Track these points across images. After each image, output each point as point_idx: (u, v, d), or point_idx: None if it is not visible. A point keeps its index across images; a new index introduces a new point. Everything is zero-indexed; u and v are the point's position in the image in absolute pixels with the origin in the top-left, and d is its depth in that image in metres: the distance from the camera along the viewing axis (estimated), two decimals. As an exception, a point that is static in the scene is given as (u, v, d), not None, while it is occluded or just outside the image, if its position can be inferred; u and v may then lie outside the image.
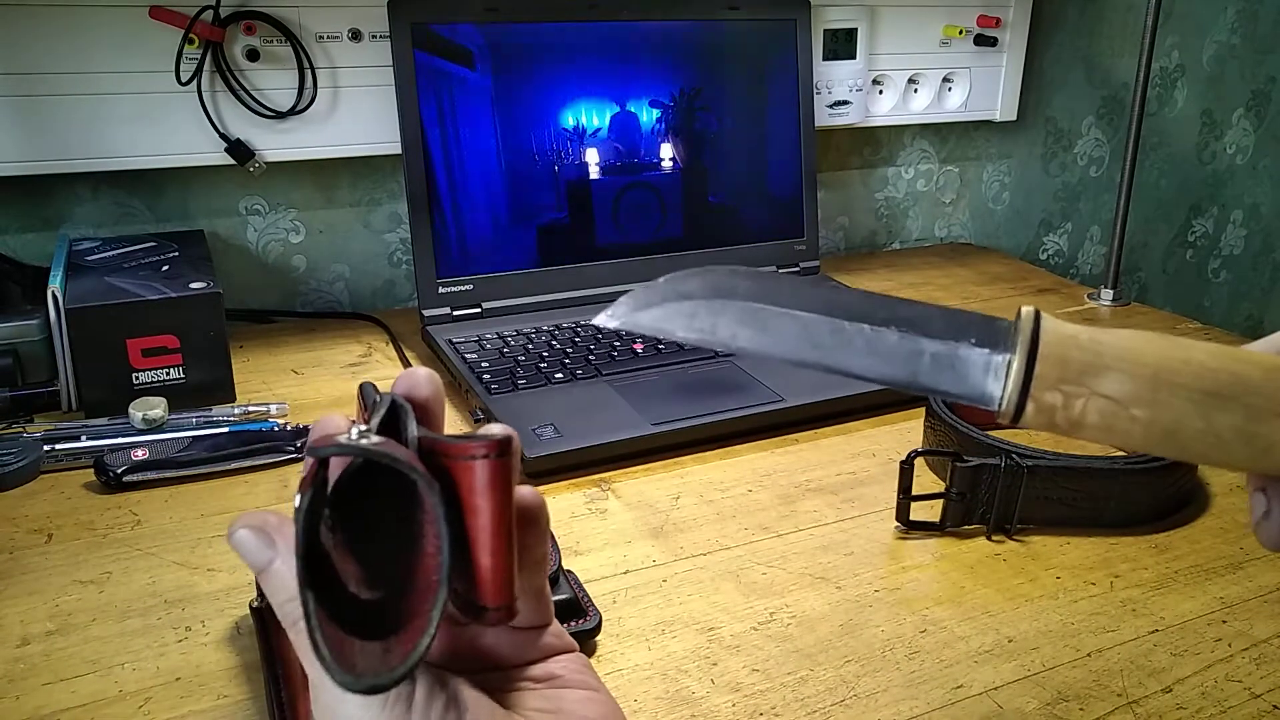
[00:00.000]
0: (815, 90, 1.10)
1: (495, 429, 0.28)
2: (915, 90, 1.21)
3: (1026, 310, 0.30)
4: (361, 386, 0.32)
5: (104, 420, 0.72)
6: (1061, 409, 0.28)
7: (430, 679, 0.29)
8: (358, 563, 0.28)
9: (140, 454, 0.67)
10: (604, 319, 0.33)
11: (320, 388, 0.84)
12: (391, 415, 0.29)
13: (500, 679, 0.33)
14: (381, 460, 0.26)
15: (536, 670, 0.34)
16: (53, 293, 0.74)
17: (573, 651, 0.35)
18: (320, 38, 0.92)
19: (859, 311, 0.31)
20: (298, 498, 0.27)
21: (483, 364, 0.82)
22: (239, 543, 0.30)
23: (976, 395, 0.30)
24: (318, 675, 0.28)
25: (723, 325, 0.32)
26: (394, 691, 0.28)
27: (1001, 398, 0.29)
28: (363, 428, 0.27)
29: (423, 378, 0.32)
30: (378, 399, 0.30)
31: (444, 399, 0.33)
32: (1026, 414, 0.29)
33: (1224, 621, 0.55)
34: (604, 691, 0.34)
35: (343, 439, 0.27)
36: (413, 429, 0.28)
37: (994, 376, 0.30)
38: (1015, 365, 0.29)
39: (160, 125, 0.89)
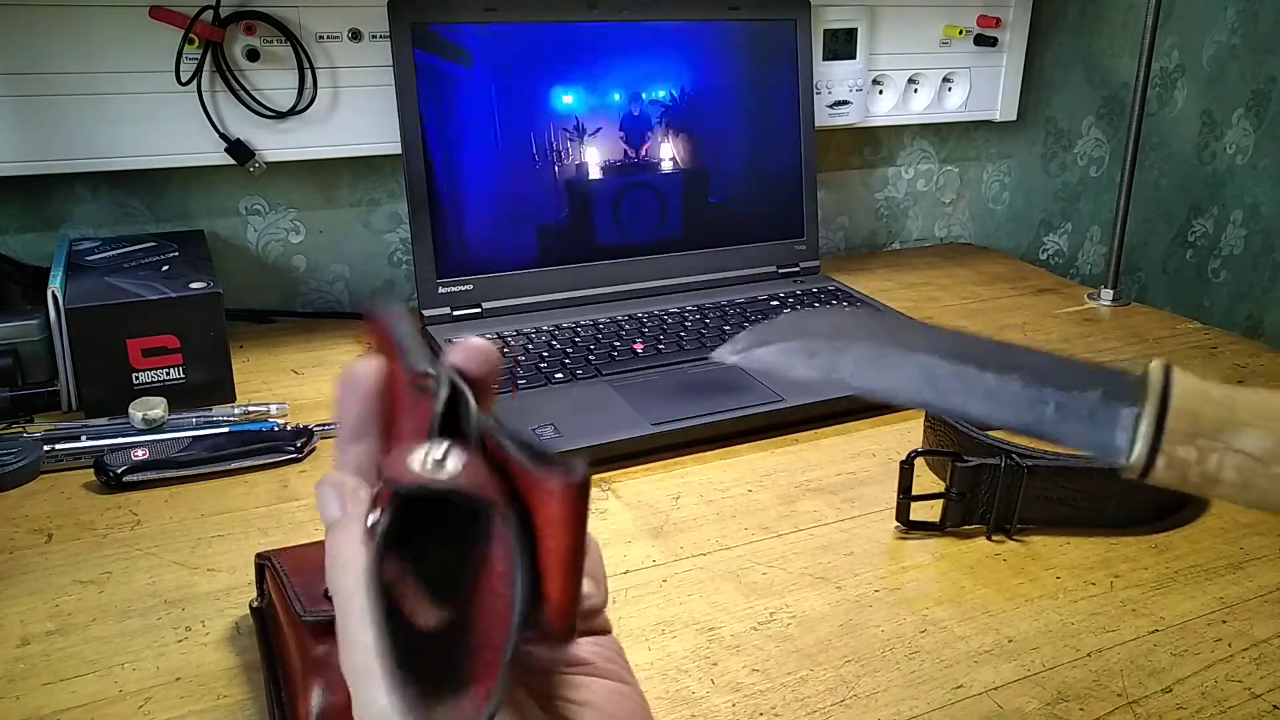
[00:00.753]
0: (815, 90, 1.10)
1: (572, 465, 0.25)
2: (915, 90, 1.21)
3: (1156, 364, 0.30)
4: (394, 325, 0.29)
5: (104, 420, 0.72)
6: (1195, 465, 0.28)
7: None
8: (416, 579, 0.26)
9: (140, 454, 0.67)
10: (724, 353, 0.33)
11: (320, 388, 0.84)
12: (451, 400, 0.27)
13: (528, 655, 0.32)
14: (463, 495, 0.24)
15: (567, 654, 0.33)
16: (53, 293, 0.74)
17: (605, 629, 0.34)
18: (320, 38, 0.92)
19: (984, 357, 0.31)
20: (373, 516, 0.26)
21: (483, 364, 0.82)
22: (321, 494, 0.30)
23: (1104, 448, 0.29)
24: (364, 687, 0.27)
25: (844, 364, 0.32)
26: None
27: (1130, 451, 0.29)
28: (438, 452, 0.25)
29: (481, 351, 0.30)
30: (431, 373, 0.27)
31: (499, 372, 0.31)
32: (1157, 469, 0.28)
33: (1224, 621, 0.55)
34: (634, 684, 0.34)
35: (418, 468, 0.25)
36: (474, 422, 0.26)
37: (1122, 430, 0.29)
38: (1145, 419, 0.29)
39: (160, 125, 0.89)
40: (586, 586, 0.31)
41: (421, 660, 0.25)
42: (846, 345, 0.32)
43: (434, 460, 0.25)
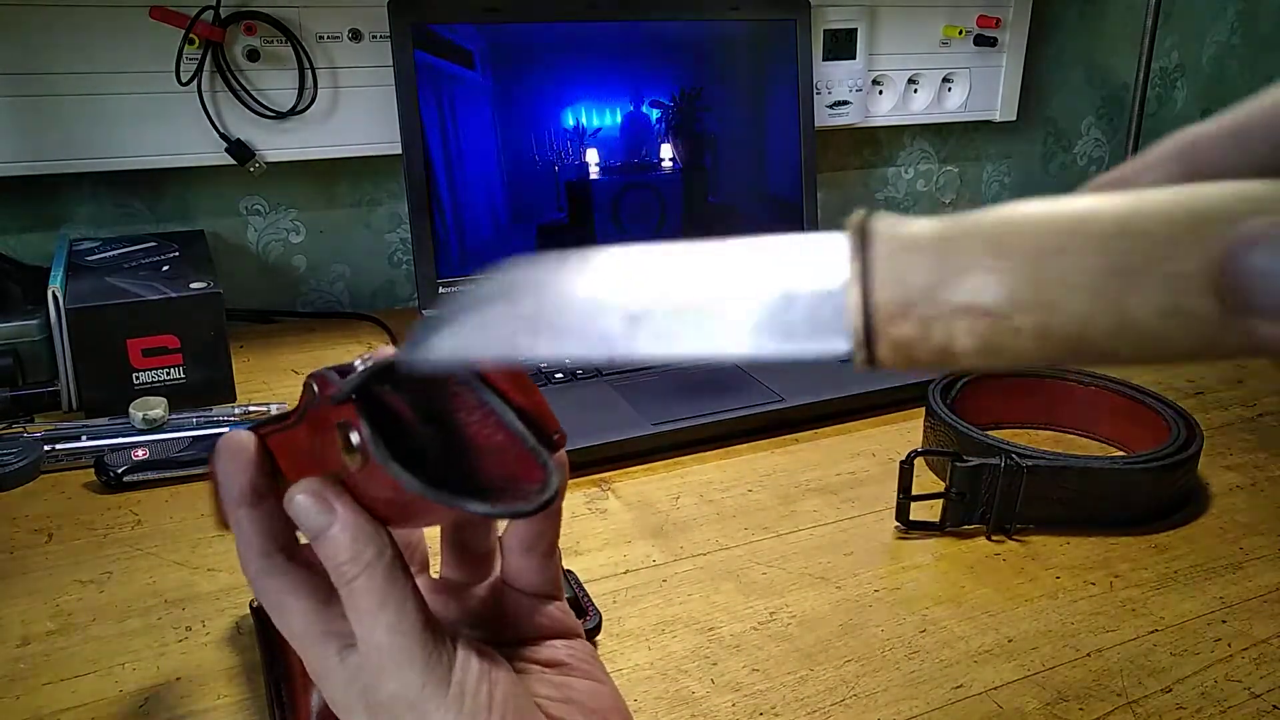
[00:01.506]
0: (815, 90, 1.10)
1: None
2: (915, 90, 1.21)
3: (854, 220, 0.22)
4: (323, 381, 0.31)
5: (104, 420, 0.72)
6: (921, 342, 0.21)
7: (467, 646, 0.30)
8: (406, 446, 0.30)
9: (140, 454, 0.67)
10: (409, 356, 0.26)
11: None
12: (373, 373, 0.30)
13: (508, 657, 0.33)
14: (412, 367, 0.26)
15: (543, 654, 0.34)
16: (53, 293, 0.74)
17: (577, 636, 0.36)
18: (320, 38, 0.92)
19: (673, 288, 0.23)
20: (358, 362, 0.29)
21: (483, 364, 0.82)
22: (298, 508, 0.30)
23: (834, 354, 0.22)
24: (369, 646, 0.29)
25: (519, 333, 0.24)
26: (434, 656, 0.29)
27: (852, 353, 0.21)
28: (361, 361, 0.29)
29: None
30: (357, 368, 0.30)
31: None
32: (882, 361, 0.21)
33: (1224, 621, 0.55)
34: (610, 684, 0.35)
35: (357, 366, 0.29)
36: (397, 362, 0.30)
37: (835, 333, 0.21)
38: (849, 309, 0.21)
39: (161, 125, 0.89)
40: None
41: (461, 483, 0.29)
42: (516, 307, 0.25)
43: (361, 363, 0.30)
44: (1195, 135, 0.22)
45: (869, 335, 0.21)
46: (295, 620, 0.31)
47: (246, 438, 0.33)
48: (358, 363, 0.30)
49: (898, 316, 0.21)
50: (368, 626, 0.29)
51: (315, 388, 0.30)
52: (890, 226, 0.22)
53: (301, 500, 0.30)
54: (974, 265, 0.20)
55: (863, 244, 0.22)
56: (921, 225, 0.22)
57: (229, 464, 0.33)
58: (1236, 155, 0.22)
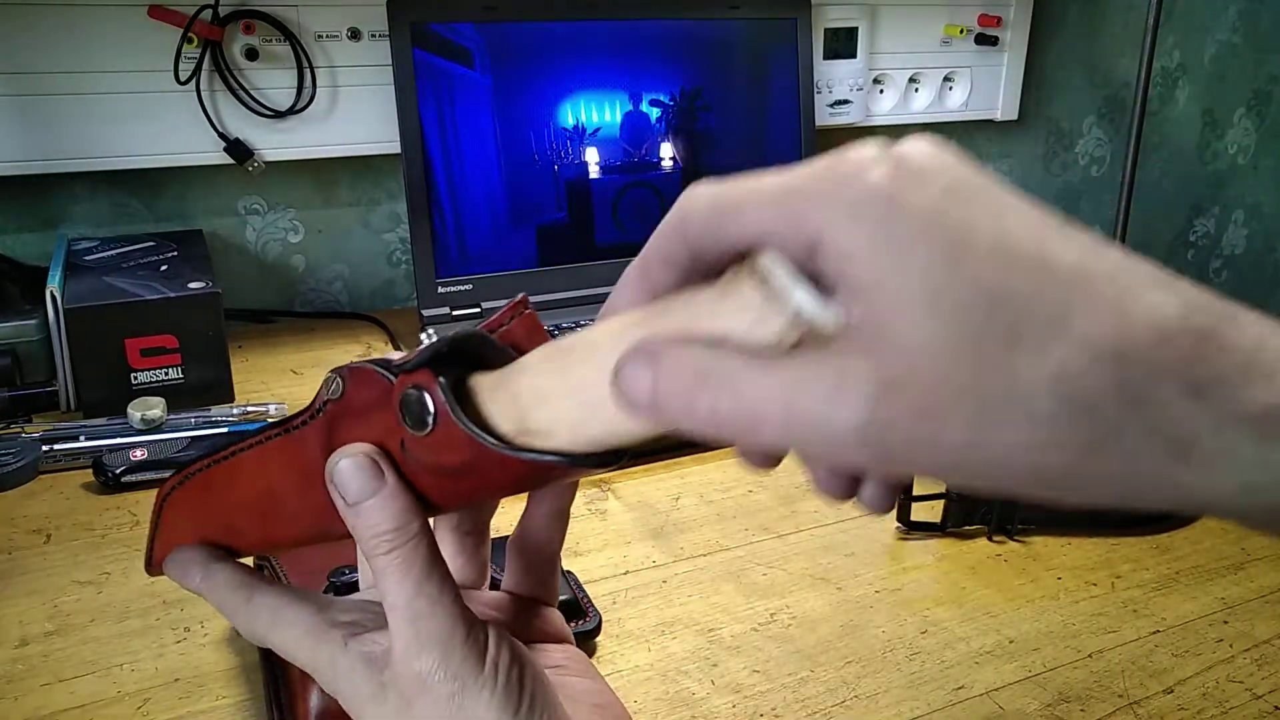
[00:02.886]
0: (816, 89, 1.09)
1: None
2: (916, 90, 1.21)
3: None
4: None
5: (102, 420, 0.72)
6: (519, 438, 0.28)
7: (498, 633, 0.30)
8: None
9: (139, 454, 0.67)
10: None
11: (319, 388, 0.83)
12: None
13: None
14: (470, 340, 0.30)
15: (540, 658, 0.34)
16: (51, 293, 0.74)
17: (569, 643, 0.36)
18: (319, 37, 0.92)
19: None
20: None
21: (482, 364, 0.82)
22: (344, 473, 0.29)
23: None
24: (408, 616, 0.29)
25: None
26: (472, 633, 0.29)
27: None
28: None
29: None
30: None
31: None
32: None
33: (1225, 622, 0.55)
34: (608, 689, 0.34)
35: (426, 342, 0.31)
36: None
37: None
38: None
39: (159, 125, 0.89)
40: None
41: None
42: None
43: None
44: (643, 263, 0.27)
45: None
46: (298, 624, 0.32)
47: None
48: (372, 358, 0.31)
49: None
50: (410, 595, 0.29)
51: (343, 379, 0.31)
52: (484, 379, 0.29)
53: (349, 465, 0.29)
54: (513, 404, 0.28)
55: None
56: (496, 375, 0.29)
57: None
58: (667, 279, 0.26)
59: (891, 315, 0.21)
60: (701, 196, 0.25)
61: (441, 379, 0.29)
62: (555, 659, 0.34)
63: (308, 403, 0.32)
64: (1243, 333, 0.21)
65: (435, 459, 0.29)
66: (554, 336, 0.31)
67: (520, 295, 0.31)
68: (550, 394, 0.28)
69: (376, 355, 0.90)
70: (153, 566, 0.37)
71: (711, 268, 0.25)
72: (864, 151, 0.24)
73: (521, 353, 0.30)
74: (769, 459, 0.27)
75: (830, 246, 0.22)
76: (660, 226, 0.26)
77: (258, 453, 0.33)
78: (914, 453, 0.21)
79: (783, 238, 0.23)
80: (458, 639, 0.29)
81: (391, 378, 0.30)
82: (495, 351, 0.30)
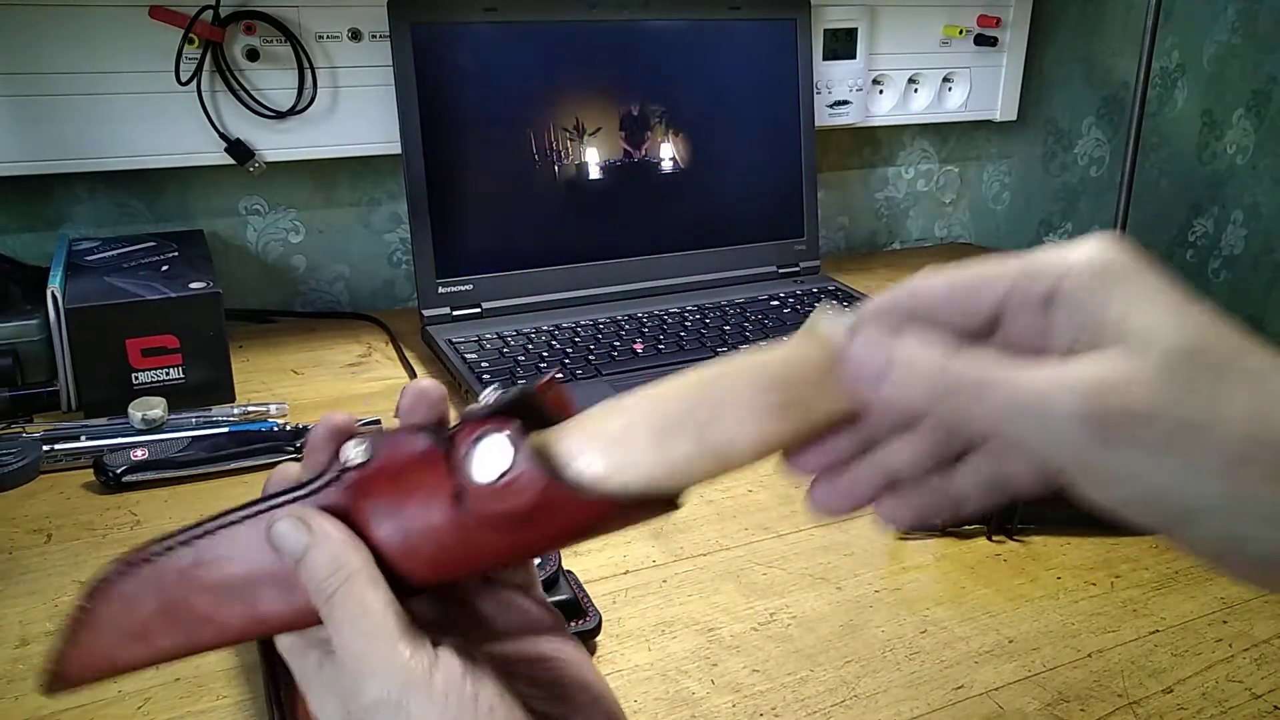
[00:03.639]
0: (815, 90, 1.09)
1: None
2: (915, 90, 1.21)
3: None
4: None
5: (103, 420, 0.72)
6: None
7: (448, 648, 0.30)
8: None
9: (140, 454, 0.67)
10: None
11: (320, 388, 0.83)
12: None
13: (492, 656, 0.33)
14: (524, 399, 0.31)
15: (527, 648, 0.34)
16: (52, 293, 0.74)
17: (560, 628, 0.35)
18: (320, 37, 0.92)
19: None
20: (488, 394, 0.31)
21: (482, 364, 0.82)
22: (278, 535, 0.30)
23: None
24: (349, 655, 0.29)
25: None
26: (414, 659, 0.29)
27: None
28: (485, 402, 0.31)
29: (429, 387, 0.33)
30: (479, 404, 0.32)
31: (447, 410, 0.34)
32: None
33: (1225, 622, 0.55)
34: (599, 678, 0.34)
35: (488, 399, 0.31)
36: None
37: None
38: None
39: (160, 125, 0.89)
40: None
41: None
42: None
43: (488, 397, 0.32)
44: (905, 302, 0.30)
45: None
46: (283, 640, 0.32)
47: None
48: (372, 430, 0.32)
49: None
50: (347, 636, 0.29)
51: (373, 444, 0.31)
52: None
53: (281, 527, 0.30)
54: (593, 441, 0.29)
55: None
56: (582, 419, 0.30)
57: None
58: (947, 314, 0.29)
59: (1124, 339, 0.25)
60: (938, 274, 0.29)
61: (516, 423, 0.29)
62: (543, 649, 0.34)
63: (304, 476, 0.31)
64: None
65: (502, 507, 0.29)
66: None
67: (552, 373, 0.32)
68: (618, 437, 0.29)
69: (378, 355, 0.90)
70: (59, 679, 0.31)
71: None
72: (1096, 235, 0.28)
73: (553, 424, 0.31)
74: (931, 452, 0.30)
75: (1066, 295, 0.27)
76: (882, 299, 0.30)
77: (246, 528, 0.31)
78: (1105, 448, 0.25)
79: (1025, 294, 0.28)
80: (398, 667, 0.28)
81: (433, 438, 0.30)
82: (542, 414, 0.31)
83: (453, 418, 0.33)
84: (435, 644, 0.30)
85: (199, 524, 0.31)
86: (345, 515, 0.30)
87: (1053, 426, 0.25)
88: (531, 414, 0.30)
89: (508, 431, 0.29)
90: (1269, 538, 0.25)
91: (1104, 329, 0.26)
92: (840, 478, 0.31)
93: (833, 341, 0.29)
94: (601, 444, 0.29)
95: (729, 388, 0.29)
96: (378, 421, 0.76)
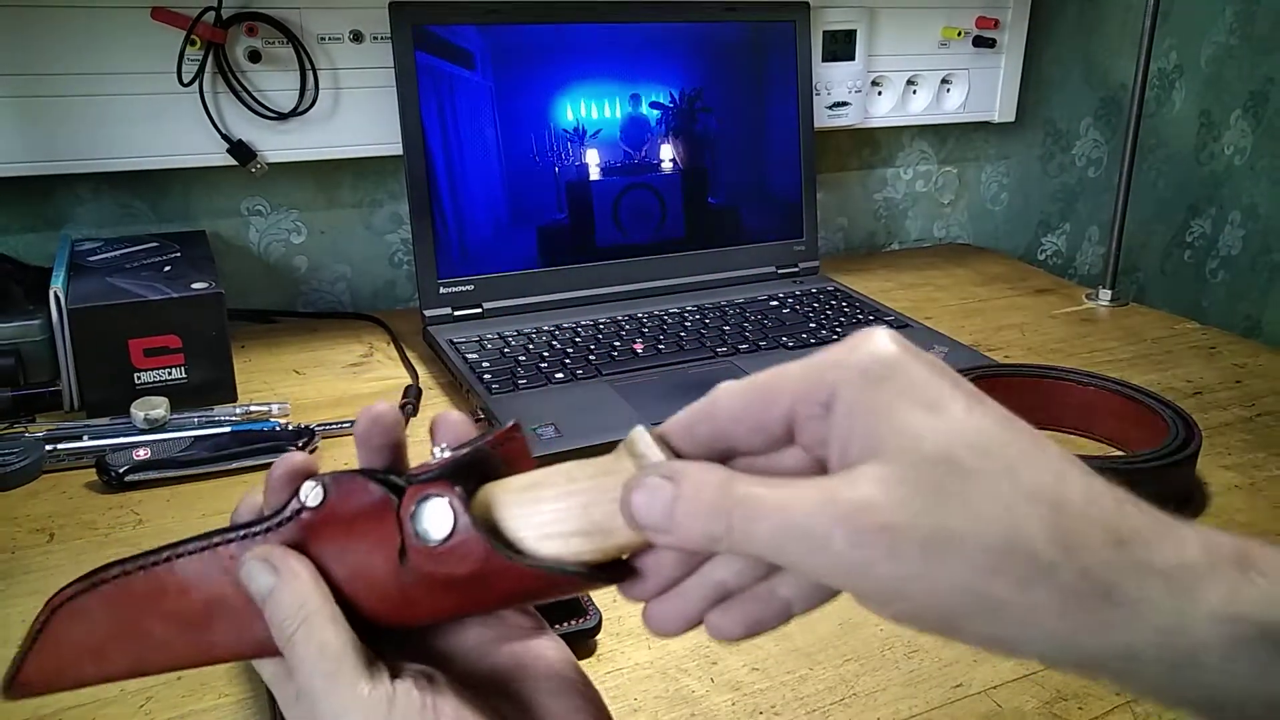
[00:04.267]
0: (814, 91, 1.10)
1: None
2: (914, 91, 1.22)
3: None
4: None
5: (106, 420, 0.72)
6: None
7: (408, 678, 0.30)
8: None
9: (142, 454, 0.67)
10: None
11: (322, 388, 0.84)
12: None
13: (463, 673, 0.32)
14: (477, 455, 0.31)
15: (503, 659, 0.33)
16: (55, 293, 0.74)
17: (542, 629, 0.35)
18: (322, 39, 0.93)
19: None
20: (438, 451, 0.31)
21: (483, 364, 0.82)
22: (248, 574, 0.31)
23: None
24: (310, 694, 0.29)
25: None
26: (373, 695, 0.29)
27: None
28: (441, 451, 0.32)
29: (384, 412, 0.33)
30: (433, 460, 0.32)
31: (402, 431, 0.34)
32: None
33: (1221, 620, 0.55)
34: (587, 690, 0.34)
35: (440, 455, 0.31)
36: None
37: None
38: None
39: (162, 126, 0.89)
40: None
41: None
42: None
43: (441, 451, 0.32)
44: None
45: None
46: (265, 668, 0.33)
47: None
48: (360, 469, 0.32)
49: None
50: (307, 675, 0.29)
51: (325, 487, 0.31)
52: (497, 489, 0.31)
53: (250, 568, 0.31)
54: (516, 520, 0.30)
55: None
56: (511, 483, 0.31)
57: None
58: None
59: (883, 449, 0.26)
60: (734, 387, 0.30)
61: (459, 490, 0.29)
62: (520, 658, 0.33)
63: (265, 512, 0.32)
64: (1150, 506, 0.26)
65: (443, 570, 0.29)
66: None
67: (513, 422, 0.32)
68: (564, 514, 0.29)
69: (379, 355, 0.90)
70: (18, 686, 0.32)
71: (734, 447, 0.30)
72: (874, 330, 0.29)
73: (512, 473, 0.31)
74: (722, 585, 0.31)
75: (840, 402, 0.27)
76: (685, 413, 0.31)
77: (207, 559, 0.31)
78: (869, 568, 0.25)
79: (807, 403, 0.28)
80: (359, 707, 0.29)
81: (389, 490, 0.30)
82: (496, 468, 0.31)
83: (456, 418, 0.33)
84: (395, 675, 0.30)
85: (160, 549, 0.31)
86: (300, 552, 0.31)
87: (819, 549, 0.26)
88: (485, 466, 0.31)
89: (450, 498, 0.29)
90: (1031, 639, 0.26)
91: (873, 436, 0.26)
92: (671, 596, 0.31)
93: (641, 464, 0.29)
94: (543, 517, 0.29)
95: (570, 497, 0.30)
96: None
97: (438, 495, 0.29)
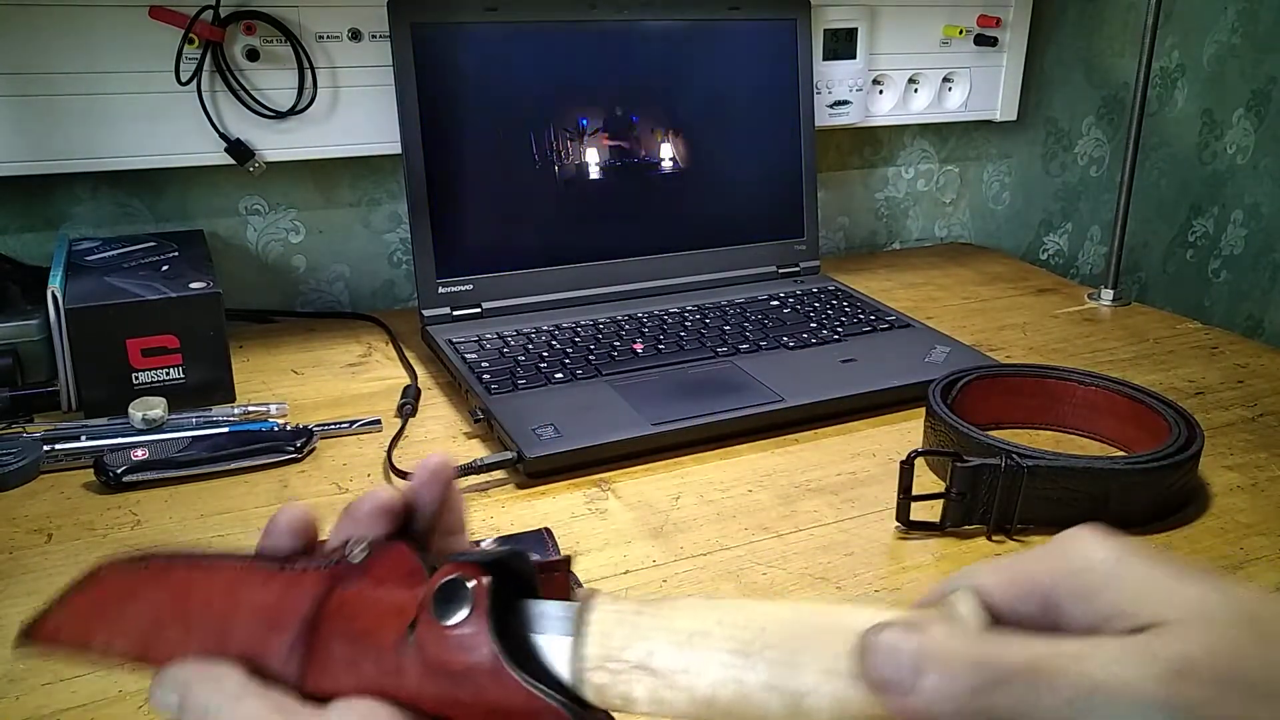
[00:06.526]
0: (815, 90, 1.10)
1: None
2: (915, 90, 1.21)
3: (583, 594, 0.30)
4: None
5: (104, 420, 0.72)
6: (612, 687, 0.27)
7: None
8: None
9: (140, 454, 0.67)
10: None
11: (320, 388, 0.84)
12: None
13: None
14: (522, 560, 0.30)
15: None
16: (52, 293, 0.74)
17: None
18: (320, 37, 0.92)
19: None
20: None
21: (483, 364, 0.82)
22: (158, 700, 0.30)
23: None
24: None
25: None
26: None
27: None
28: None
29: (436, 465, 0.33)
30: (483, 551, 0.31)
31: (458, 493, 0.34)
32: (589, 698, 0.28)
33: (1224, 622, 0.55)
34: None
35: (487, 545, 0.31)
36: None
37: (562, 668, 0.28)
38: (572, 651, 0.28)
39: (160, 125, 0.89)
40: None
41: None
42: None
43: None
44: (980, 583, 0.27)
45: (576, 680, 0.28)
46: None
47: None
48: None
49: (598, 667, 0.28)
50: None
51: (372, 547, 0.31)
52: (611, 601, 0.29)
53: (154, 690, 0.30)
54: (652, 635, 0.27)
55: (583, 609, 0.29)
56: (635, 602, 0.29)
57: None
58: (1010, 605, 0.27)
59: (1188, 616, 0.24)
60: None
61: (489, 582, 0.29)
62: None
63: (317, 553, 0.32)
64: None
65: (443, 655, 0.28)
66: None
67: (567, 555, 0.32)
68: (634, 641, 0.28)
69: (378, 355, 0.90)
70: (39, 636, 0.33)
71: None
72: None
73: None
74: None
75: (1119, 580, 0.26)
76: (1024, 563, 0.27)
77: (242, 571, 0.32)
78: None
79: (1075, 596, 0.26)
80: None
81: (425, 562, 0.30)
82: (534, 586, 0.30)
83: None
84: None
85: (201, 552, 0.32)
86: (320, 598, 0.31)
87: (1145, 708, 0.23)
88: (522, 580, 0.30)
89: (477, 585, 0.28)
90: None
91: (1131, 615, 0.25)
92: None
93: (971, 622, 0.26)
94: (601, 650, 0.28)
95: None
96: (378, 421, 0.76)
97: (467, 579, 0.29)
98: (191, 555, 0.33)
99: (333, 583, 0.31)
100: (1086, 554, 0.26)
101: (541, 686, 0.27)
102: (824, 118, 1.14)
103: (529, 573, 0.30)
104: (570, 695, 0.28)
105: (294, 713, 0.29)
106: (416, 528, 0.33)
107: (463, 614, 0.28)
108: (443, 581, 0.29)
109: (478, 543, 0.30)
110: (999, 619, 0.26)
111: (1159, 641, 0.24)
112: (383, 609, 0.30)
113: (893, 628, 0.24)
